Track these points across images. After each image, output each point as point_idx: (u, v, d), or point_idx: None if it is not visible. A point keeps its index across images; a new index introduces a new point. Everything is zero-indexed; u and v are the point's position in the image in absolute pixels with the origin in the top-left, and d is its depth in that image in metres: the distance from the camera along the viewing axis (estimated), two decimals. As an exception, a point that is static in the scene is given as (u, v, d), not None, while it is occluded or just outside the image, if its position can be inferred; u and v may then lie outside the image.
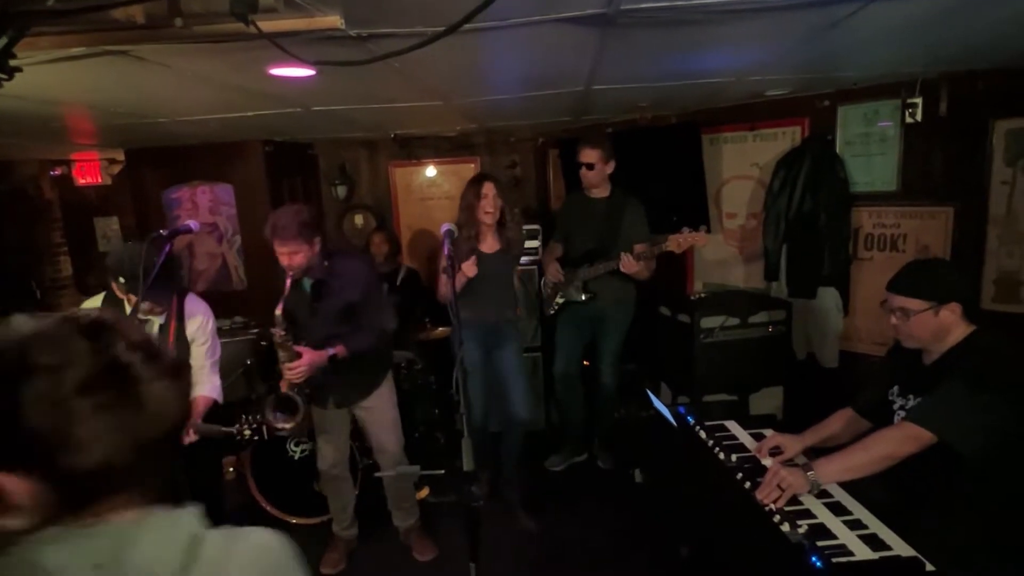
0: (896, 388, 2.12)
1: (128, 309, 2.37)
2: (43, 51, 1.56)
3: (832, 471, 1.97)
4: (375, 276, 2.97)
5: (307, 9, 1.37)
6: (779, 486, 1.94)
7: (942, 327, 1.91)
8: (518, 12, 1.63)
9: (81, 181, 5.70)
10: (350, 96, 2.89)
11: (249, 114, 3.20)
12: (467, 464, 1.61)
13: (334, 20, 1.48)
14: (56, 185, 5.82)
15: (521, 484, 3.46)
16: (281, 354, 2.58)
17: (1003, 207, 3.13)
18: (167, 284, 2.34)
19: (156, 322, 2.47)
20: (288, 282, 2.56)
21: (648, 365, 4.32)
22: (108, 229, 5.89)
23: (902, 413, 2.05)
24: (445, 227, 2.20)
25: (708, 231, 3.64)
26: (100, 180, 5.68)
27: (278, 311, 2.48)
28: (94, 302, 2.51)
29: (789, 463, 2.19)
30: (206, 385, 2.55)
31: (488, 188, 3.11)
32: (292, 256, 2.54)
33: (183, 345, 2.49)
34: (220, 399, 2.61)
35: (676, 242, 3.15)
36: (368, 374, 2.94)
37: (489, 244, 3.25)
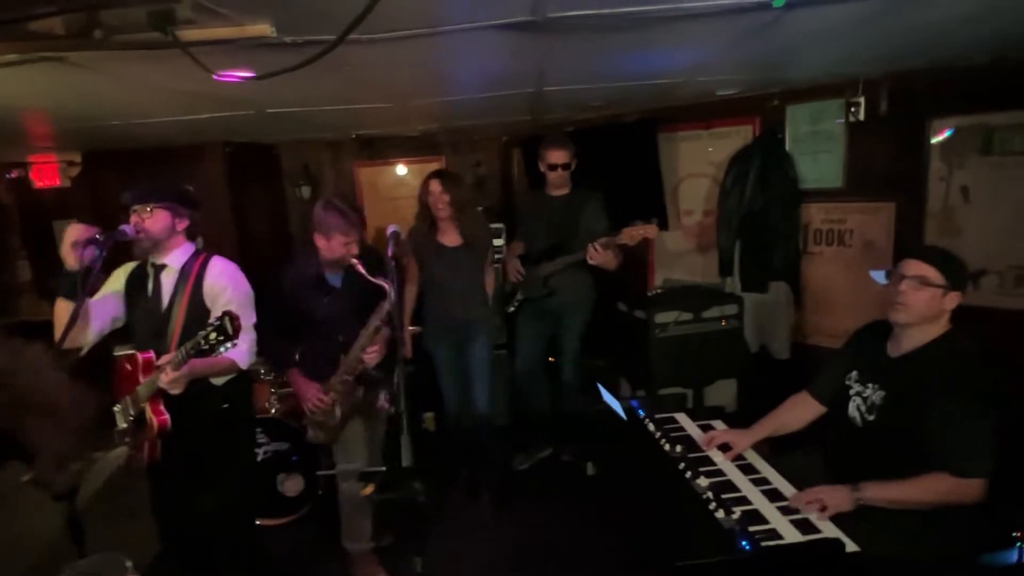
0: (855, 374, 2.15)
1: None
2: (-28, 59, 1.57)
3: (878, 495, 1.90)
4: None
5: (232, 18, 1.40)
6: (821, 502, 1.92)
7: (939, 311, 1.93)
8: (449, 19, 1.68)
9: (39, 184, 5.60)
10: (300, 99, 2.90)
11: (202, 116, 3.19)
12: (405, 460, 1.66)
13: (264, 28, 1.51)
14: (13, 188, 5.71)
15: (489, 479, 3.53)
16: (363, 341, 2.56)
17: (940, 202, 3.26)
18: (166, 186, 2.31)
19: (172, 269, 2.32)
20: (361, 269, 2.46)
21: (614, 361, 4.40)
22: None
23: (859, 400, 2.09)
24: (390, 229, 2.24)
25: (662, 226, 3.72)
26: (59, 183, 5.58)
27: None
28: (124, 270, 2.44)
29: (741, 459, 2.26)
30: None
31: (433, 185, 3.21)
32: (349, 246, 2.56)
33: (197, 308, 2.30)
34: (243, 365, 2.37)
35: (628, 235, 3.21)
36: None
37: (451, 238, 3.31)
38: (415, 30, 1.72)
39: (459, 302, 3.33)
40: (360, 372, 2.62)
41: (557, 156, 3.48)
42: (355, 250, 2.56)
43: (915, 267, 1.94)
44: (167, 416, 2.22)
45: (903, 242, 3.39)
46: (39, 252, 5.81)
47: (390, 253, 2.07)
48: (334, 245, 2.56)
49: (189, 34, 1.41)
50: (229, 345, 1.98)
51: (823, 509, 1.91)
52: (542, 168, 3.57)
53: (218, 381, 2.42)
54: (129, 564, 0.94)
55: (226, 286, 2.32)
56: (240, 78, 1.98)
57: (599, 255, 3.31)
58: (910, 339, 2.00)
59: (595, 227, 3.46)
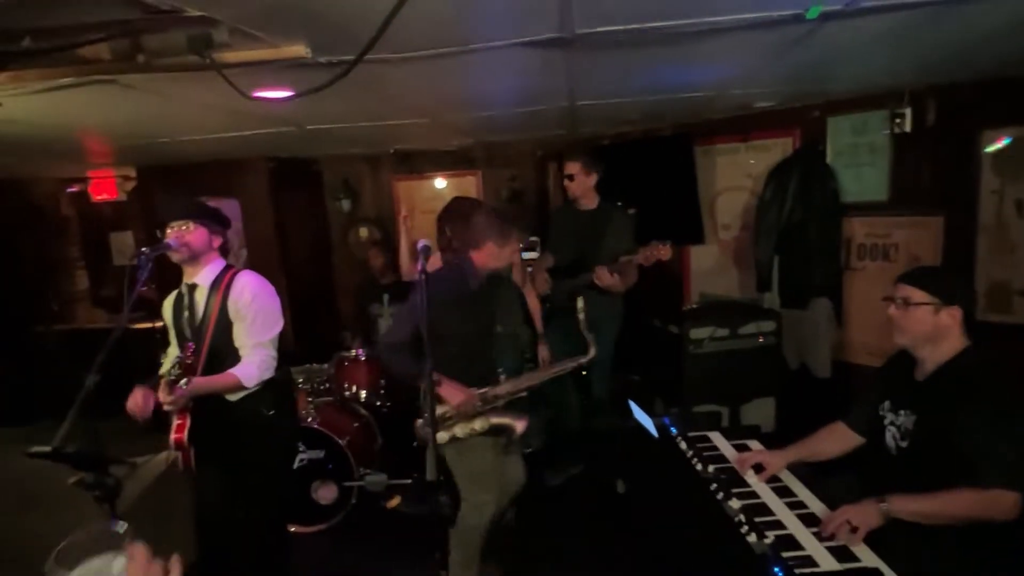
0: (888, 403, 2.10)
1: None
2: (32, 83, 1.67)
3: (906, 507, 1.84)
4: None
5: (268, 40, 1.45)
6: (850, 523, 1.86)
7: (938, 329, 1.90)
8: (478, 38, 1.70)
9: (97, 197, 5.89)
10: (338, 116, 2.98)
11: (246, 133, 3.32)
12: (430, 474, 1.66)
13: (299, 50, 1.56)
14: (73, 202, 6.02)
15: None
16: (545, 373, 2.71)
17: (992, 216, 3.12)
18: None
19: (203, 288, 2.41)
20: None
21: (648, 377, 4.34)
22: (123, 243, 6.07)
23: (892, 429, 2.03)
24: (421, 243, 2.25)
25: (698, 240, 3.61)
26: (116, 196, 5.87)
27: None
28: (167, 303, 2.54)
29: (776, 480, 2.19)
30: (241, 364, 2.36)
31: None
32: (515, 254, 2.64)
33: (225, 322, 2.36)
34: (248, 383, 2.35)
35: (644, 255, 3.17)
36: None
37: None
38: (445, 48, 1.75)
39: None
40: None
41: (568, 167, 3.47)
42: (518, 259, 2.56)
43: (900, 290, 1.96)
44: (183, 435, 2.31)
45: (951, 257, 3.26)
46: (96, 262, 6.10)
47: (419, 268, 2.09)
48: (505, 253, 2.54)
49: (228, 56, 1.47)
50: (184, 382, 2.16)
51: (854, 530, 1.83)
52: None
53: (261, 389, 2.44)
54: (127, 533, 0.94)
55: (248, 301, 2.38)
56: (277, 98, 2.04)
57: (606, 278, 3.27)
58: (929, 360, 1.96)
59: (618, 245, 3.41)
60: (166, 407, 2.23)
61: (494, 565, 2.93)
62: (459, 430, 2.52)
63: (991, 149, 3.10)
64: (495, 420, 2.54)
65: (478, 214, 2.57)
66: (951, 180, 3.26)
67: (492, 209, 2.62)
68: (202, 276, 2.41)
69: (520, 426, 2.56)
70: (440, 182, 5.64)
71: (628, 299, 3.69)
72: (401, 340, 2.46)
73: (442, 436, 2.52)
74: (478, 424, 2.52)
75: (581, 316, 2.59)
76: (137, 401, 2.28)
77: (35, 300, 5.97)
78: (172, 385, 2.13)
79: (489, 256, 2.54)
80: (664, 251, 3.13)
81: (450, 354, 2.51)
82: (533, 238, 4.57)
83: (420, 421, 2.55)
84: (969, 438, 1.77)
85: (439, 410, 2.52)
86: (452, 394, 2.50)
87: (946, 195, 3.28)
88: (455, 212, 3.10)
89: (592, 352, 2.57)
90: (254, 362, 2.37)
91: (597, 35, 1.70)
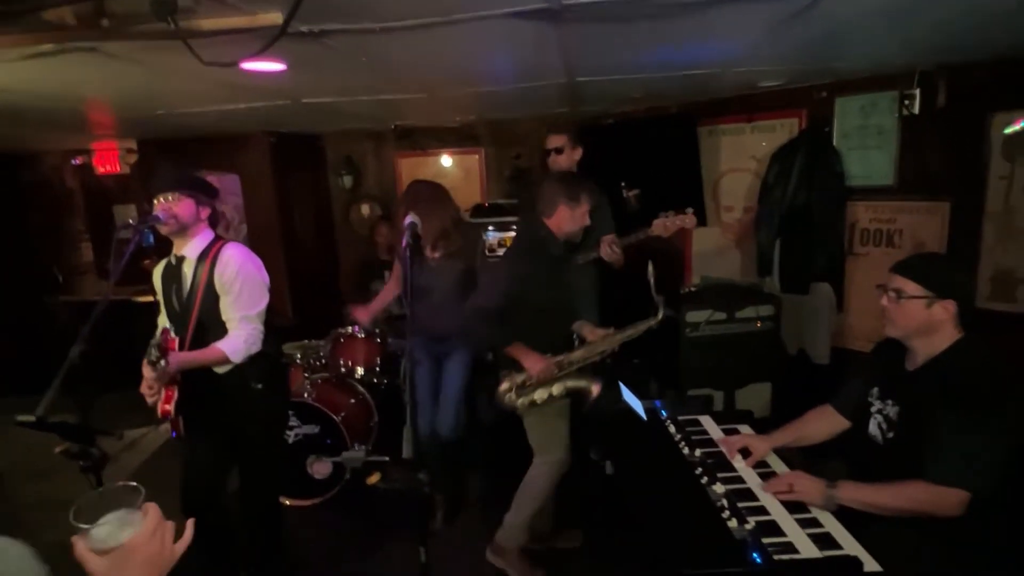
0: (876, 390, 2.05)
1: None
2: (8, 49, 1.64)
3: (854, 496, 1.85)
4: None
5: (243, 8, 1.41)
6: (791, 486, 1.92)
7: (931, 322, 1.84)
8: (463, 7, 1.65)
9: (101, 170, 5.90)
10: (333, 89, 2.93)
11: (242, 106, 3.28)
12: (406, 451, 1.66)
13: (275, 17, 1.52)
14: (77, 174, 6.04)
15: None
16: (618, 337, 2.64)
17: (1000, 203, 3.04)
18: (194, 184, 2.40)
19: (190, 261, 2.40)
20: None
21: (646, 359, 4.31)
22: (127, 216, 6.07)
23: (879, 417, 2.00)
24: (407, 219, 2.22)
25: (700, 221, 3.55)
26: (119, 169, 5.87)
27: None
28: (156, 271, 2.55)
29: (764, 465, 2.19)
30: (227, 337, 2.37)
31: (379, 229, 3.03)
32: (586, 216, 2.58)
33: (211, 295, 2.37)
34: (235, 357, 2.36)
35: (662, 226, 2.97)
36: None
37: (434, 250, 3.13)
38: (430, 19, 1.70)
39: (442, 316, 3.05)
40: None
41: (554, 140, 3.28)
42: (588, 220, 2.57)
43: (893, 281, 1.89)
44: (170, 406, 2.34)
45: (957, 244, 3.18)
46: (101, 235, 6.13)
47: (404, 244, 2.06)
48: (578, 215, 2.53)
49: (202, 24, 1.43)
50: (163, 363, 2.13)
51: (790, 491, 1.91)
52: None
53: (249, 363, 2.44)
54: (143, 492, 0.98)
55: (233, 274, 2.37)
56: (228, 64, 1.98)
57: (613, 253, 3.12)
58: (921, 352, 1.91)
59: (602, 224, 3.17)
60: (152, 382, 2.22)
61: (577, 531, 3.05)
62: (538, 396, 2.58)
63: (1010, 130, 2.99)
64: (571, 384, 2.58)
65: (547, 180, 2.56)
66: (959, 165, 3.17)
67: (557, 174, 2.65)
68: (190, 248, 2.40)
69: (596, 389, 2.58)
70: (446, 160, 5.59)
71: (629, 280, 3.62)
72: (489, 306, 2.49)
73: (522, 402, 2.59)
74: (556, 389, 2.58)
75: (651, 280, 2.57)
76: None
77: (42, 272, 6.03)
78: (153, 366, 2.12)
79: (563, 220, 2.55)
80: (688, 219, 2.95)
81: (531, 321, 2.57)
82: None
83: (502, 387, 2.60)
84: (936, 433, 1.73)
85: (518, 378, 2.59)
86: (532, 364, 2.53)
87: (954, 180, 3.20)
88: (418, 195, 2.96)
89: (661, 314, 2.55)
90: (241, 336, 2.38)
91: (584, 7, 1.64)
